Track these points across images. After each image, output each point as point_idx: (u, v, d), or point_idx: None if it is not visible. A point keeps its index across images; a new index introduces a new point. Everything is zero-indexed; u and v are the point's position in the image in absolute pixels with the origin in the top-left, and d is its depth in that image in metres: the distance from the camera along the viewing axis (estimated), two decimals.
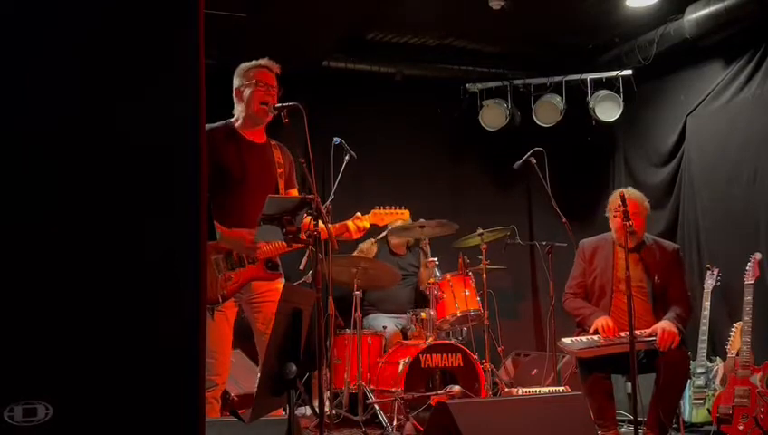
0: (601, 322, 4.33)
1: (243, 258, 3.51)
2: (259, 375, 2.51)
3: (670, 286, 4.48)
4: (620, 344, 4.14)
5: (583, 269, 4.64)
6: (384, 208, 3.80)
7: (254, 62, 3.67)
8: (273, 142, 3.75)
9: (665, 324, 4.26)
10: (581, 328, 4.52)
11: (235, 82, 3.67)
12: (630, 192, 4.50)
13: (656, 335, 4.22)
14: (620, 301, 4.36)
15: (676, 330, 4.23)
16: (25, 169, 1.30)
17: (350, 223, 3.66)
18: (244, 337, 3.74)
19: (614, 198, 4.44)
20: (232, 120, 3.67)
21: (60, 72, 1.33)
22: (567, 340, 4.41)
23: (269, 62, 3.67)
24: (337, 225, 3.66)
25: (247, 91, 3.59)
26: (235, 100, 3.67)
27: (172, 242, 1.37)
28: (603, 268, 4.56)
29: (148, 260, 1.36)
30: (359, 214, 3.71)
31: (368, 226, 3.71)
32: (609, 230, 4.64)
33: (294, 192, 3.75)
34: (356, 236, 3.69)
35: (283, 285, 3.62)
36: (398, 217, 3.88)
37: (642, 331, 4.25)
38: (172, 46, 1.41)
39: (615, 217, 4.45)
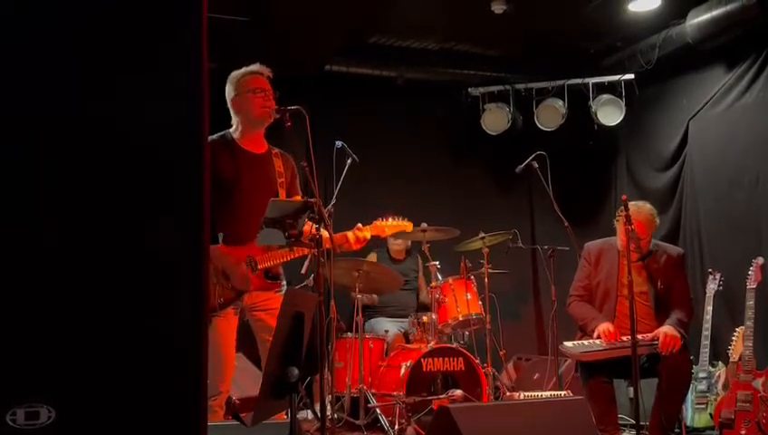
0: (603, 327, 4.33)
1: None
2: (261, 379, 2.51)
3: (673, 290, 4.48)
4: (622, 348, 4.14)
5: (589, 272, 4.63)
6: (386, 220, 3.72)
7: (245, 70, 3.59)
8: (274, 151, 3.67)
9: (666, 329, 4.26)
10: (584, 333, 4.51)
11: (230, 91, 3.58)
12: (640, 205, 4.49)
13: (658, 340, 4.22)
14: (624, 306, 4.36)
15: (677, 334, 4.23)
16: (25, 170, 1.30)
17: (349, 234, 3.59)
18: (245, 341, 3.74)
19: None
20: (230, 130, 3.61)
21: (61, 72, 1.34)
22: (569, 343, 4.41)
23: (260, 67, 3.59)
24: (337, 235, 3.57)
25: (245, 100, 3.53)
26: (231, 110, 3.60)
27: (174, 244, 1.37)
28: (608, 272, 4.55)
29: (149, 262, 1.36)
30: (359, 225, 3.65)
31: (368, 236, 3.63)
32: (613, 235, 4.63)
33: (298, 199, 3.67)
34: (355, 247, 3.62)
35: (283, 292, 3.58)
36: (400, 228, 3.79)
37: (644, 335, 4.25)
38: (175, 48, 1.41)
39: (618, 220, 4.44)
